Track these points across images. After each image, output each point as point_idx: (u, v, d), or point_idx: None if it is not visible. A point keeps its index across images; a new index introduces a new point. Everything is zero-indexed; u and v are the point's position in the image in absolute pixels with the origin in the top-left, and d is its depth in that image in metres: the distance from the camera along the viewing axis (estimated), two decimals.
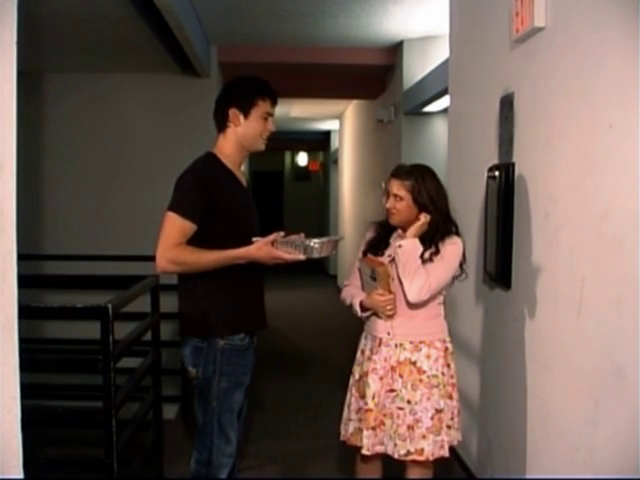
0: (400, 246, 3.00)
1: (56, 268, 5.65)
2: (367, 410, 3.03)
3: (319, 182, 17.76)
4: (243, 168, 3.11)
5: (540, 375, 3.04)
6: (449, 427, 3.04)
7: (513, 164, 3.33)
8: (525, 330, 3.20)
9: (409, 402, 2.97)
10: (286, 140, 14.00)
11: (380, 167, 8.01)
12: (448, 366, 3.06)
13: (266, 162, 16.08)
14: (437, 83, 5.49)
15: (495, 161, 3.58)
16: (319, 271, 14.57)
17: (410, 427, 2.96)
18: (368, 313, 3.12)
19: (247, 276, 2.81)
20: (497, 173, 3.43)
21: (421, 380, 2.99)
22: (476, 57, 4.08)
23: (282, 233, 2.73)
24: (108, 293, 3.44)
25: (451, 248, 3.04)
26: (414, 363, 3.00)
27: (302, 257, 2.70)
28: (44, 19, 4.57)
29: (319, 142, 16.04)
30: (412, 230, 3.01)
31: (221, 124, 2.94)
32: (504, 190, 3.36)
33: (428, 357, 3.02)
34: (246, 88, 2.94)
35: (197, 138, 4.31)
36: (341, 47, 6.84)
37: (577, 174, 2.67)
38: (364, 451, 3.02)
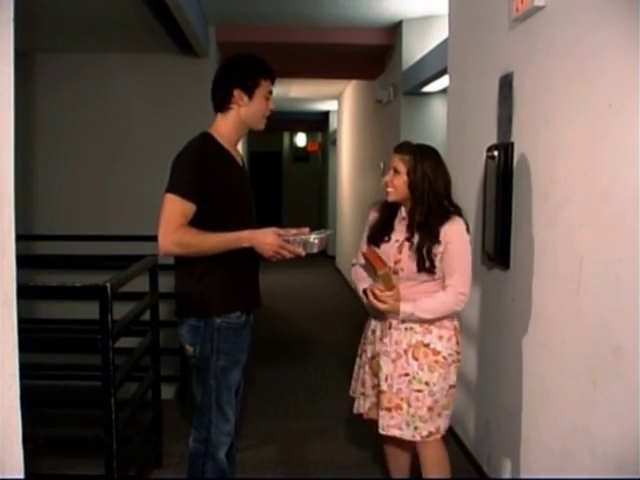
0: (403, 321, 2.99)
1: (54, 249, 5.63)
2: (380, 391, 3.04)
3: (318, 163, 17.71)
4: (241, 149, 3.10)
5: (538, 355, 3.06)
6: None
7: (512, 144, 3.33)
8: (524, 310, 3.20)
9: (427, 384, 2.95)
10: (285, 121, 13.93)
11: (379, 147, 7.99)
12: (458, 343, 3.05)
13: (264, 143, 16.04)
14: (436, 63, 5.47)
15: (494, 141, 3.57)
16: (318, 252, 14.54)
17: (430, 408, 2.97)
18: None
19: (243, 255, 2.81)
20: (496, 153, 3.43)
21: (437, 361, 2.96)
22: (475, 37, 4.06)
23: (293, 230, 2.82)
24: (106, 273, 3.44)
25: (455, 230, 2.95)
26: (427, 345, 2.97)
27: (302, 253, 2.77)
28: None
29: (318, 123, 15.98)
30: (390, 304, 2.94)
31: (222, 104, 2.92)
32: (503, 170, 3.36)
33: (440, 338, 2.98)
34: (248, 68, 2.91)
35: (195, 118, 4.28)
36: (340, 27, 6.80)
37: (576, 154, 2.66)
38: (380, 430, 3.03)
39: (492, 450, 3.70)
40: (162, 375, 4.24)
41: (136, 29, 5.58)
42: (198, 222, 2.73)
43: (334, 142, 14.21)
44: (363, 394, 3.20)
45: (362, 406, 3.21)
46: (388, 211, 3.12)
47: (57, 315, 5.17)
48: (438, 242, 2.92)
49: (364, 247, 3.12)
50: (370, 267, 3.02)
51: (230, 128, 2.92)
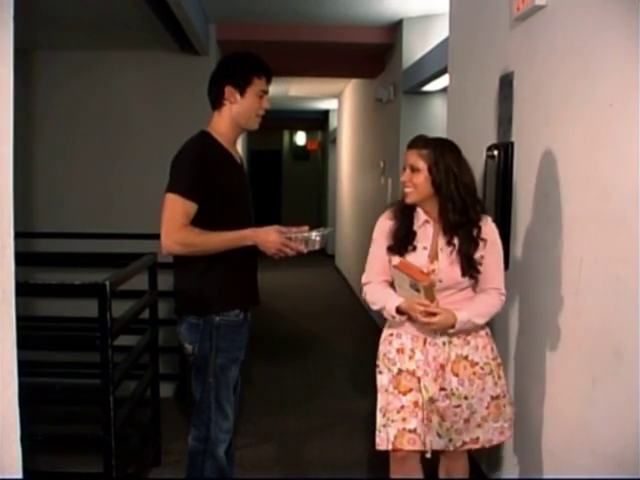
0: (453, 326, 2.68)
1: (53, 246, 5.63)
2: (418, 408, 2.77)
3: (317, 161, 17.70)
4: (240, 147, 3.10)
5: (538, 355, 3.05)
6: (504, 405, 2.87)
7: (512, 143, 3.32)
8: (523, 310, 3.20)
9: (466, 398, 2.77)
10: (284, 119, 13.93)
11: (379, 146, 7.99)
12: (492, 350, 2.86)
13: (264, 141, 16.02)
14: (437, 62, 5.46)
15: (494, 140, 3.57)
16: (317, 251, 14.54)
17: (466, 420, 2.80)
18: (405, 317, 2.75)
19: (241, 253, 2.82)
20: (496, 152, 3.42)
21: (474, 373, 2.78)
22: (476, 36, 4.05)
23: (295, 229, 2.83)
24: (105, 271, 3.44)
25: (492, 228, 2.78)
26: (466, 357, 2.78)
27: (304, 250, 2.81)
28: None
29: (318, 121, 15.97)
30: (444, 316, 2.65)
31: (216, 101, 2.93)
32: (503, 169, 3.35)
33: (477, 348, 2.80)
34: (241, 65, 2.92)
35: (195, 116, 4.27)
36: (340, 25, 6.78)
37: (577, 153, 2.66)
38: (428, 455, 2.81)
39: (492, 451, 3.69)
40: (161, 373, 4.25)
41: (136, 27, 5.57)
42: (197, 220, 2.73)
43: (334, 141, 14.20)
44: (391, 421, 2.79)
45: (390, 435, 2.78)
46: (405, 216, 2.82)
47: (56, 313, 5.17)
48: (483, 241, 2.73)
49: (395, 260, 2.75)
50: (405, 280, 2.67)
51: (227, 126, 2.92)
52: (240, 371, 3.00)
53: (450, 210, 2.69)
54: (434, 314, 2.63)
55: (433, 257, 2.74)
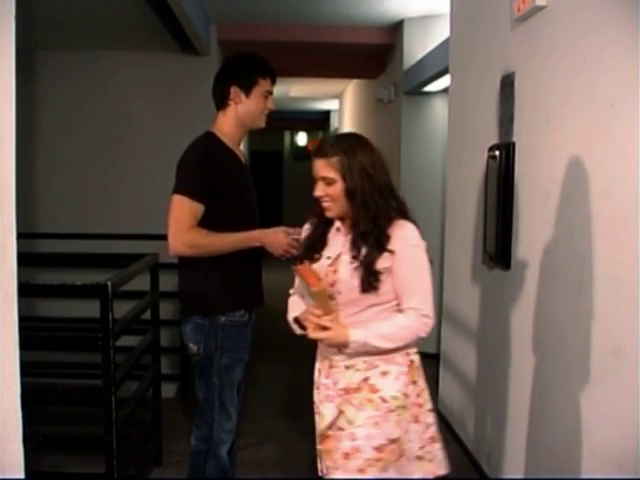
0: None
1: (55, 247, 5.64)
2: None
3: None
4: (242, 147, 3.10)
5: (539, 354, 3.05)
6: (420, 458, 2.37)
7: (513, 143, 3.32)
8: (524, 310, 3.20)
9: (351, 423, 2.32)
10: (285, 120, 13.92)
11: (380, 147, 7.96)
12: (414, 383, 2.37)
13: (265, 142, 16.01)
14: (438, 62, 5.46)
15: (495, 141, 3.57)
16: None
17: (346, 455, 2.31)
18: (302, 330, 2.41)
19: (246, 254, 2.82)
20: (497, 153, 3.42)
21: (370, 400, 2.31)
22: (477, 36, 4.05)
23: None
24: (107, 271, 3.44)
25: (407, 235, 2.31)
26: (366, 380, 2.33)
27: None
28: None
29: (319, 122, 15.97)
30: (336, 330, 2.25)
31: (221, 102, 2.93)
32: (504, 170, 3.35)
33: (384, 374, 2.33)
34: (247, 66, 2.92)
35: (196, 116, 4.29)
36: (341, 26, 6.79)
37: (578, 153, 2.66)
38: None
39: (492, 449, 3.70)
40: (162, 373, 4.25)
41: (137, 27, 5.57)
42: (203, 221, 2.74)
43: None
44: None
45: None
46: (322, 223, 2.47)
47: (58, 313, 5.17)
48: (387, 251, 2.27)
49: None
50: (304, 287, 2.34)
51: (232, 126, 2.92)
52: (244, 372, 3.01)
53: (362, 217, 2.30)
54: (327, 328, 2.26)
55: (337, 266, 2.35)
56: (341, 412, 2.35)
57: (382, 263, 2.27)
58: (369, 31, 6.92)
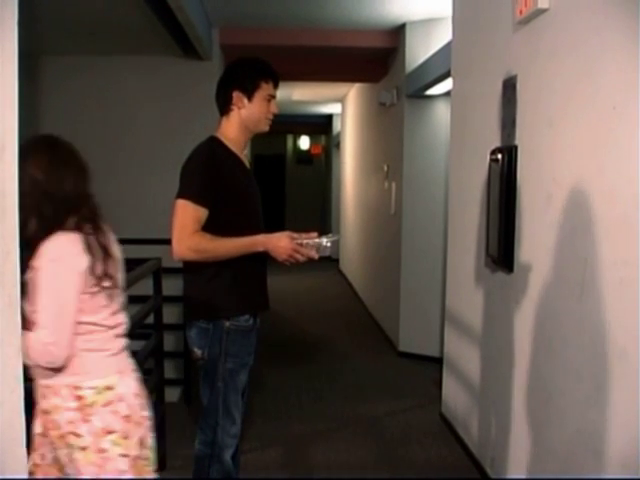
0: None
1: None
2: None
3: (321, 166, 17.71)
4: (245, 151, 3.10)
5: (542, 357, 3.05)
6: None
7: (516, 146, 3.32)
8: (527, 312, 3.20)
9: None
10: (288, 123, 13.94)
11: (382, 150, 7.99)
12: (87, 422, 2.10)
13: (268, 145, 16.04)
14: (440, 66, 5.46)
15: (498, 144, 3.57)
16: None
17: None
18: None
19: (251, 259, 2.82)
20: (500, 156, 3.42)
21: (54, 430, 2.12)
22: (479, 39, 4.06)
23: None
24: None
25: (48, 247, 2.06)
26: (47, 413, 2.13)
27: (316, 256, 2.81)
28: None
29: (321, 125, 15.99)
30: None
31: (224, 107, 2.93)
32: (507, 173, 3.35)
33: (56, 408, 2.11)
34: (249, 70, 2.92)
35: (199, 121, 4.31)
36: (344, 29, 6.80)
37: (580, 156, 2.66)
38: None
39: (496, 452, 3.69)
40: (166, 378, 4.25)
41: (140, 32, 5.59)
42: (207, 225, 2.74)
43: (337, 145, 14.21)
44: None
45: None
46: None
47: None
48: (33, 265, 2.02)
49: None
50: None
51: (236, 131, 2.92)
52: (248, 376, 3.00)
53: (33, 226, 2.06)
54: None
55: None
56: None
57: (27, 275, 1.98)
58: (371, 35, 6.93)
